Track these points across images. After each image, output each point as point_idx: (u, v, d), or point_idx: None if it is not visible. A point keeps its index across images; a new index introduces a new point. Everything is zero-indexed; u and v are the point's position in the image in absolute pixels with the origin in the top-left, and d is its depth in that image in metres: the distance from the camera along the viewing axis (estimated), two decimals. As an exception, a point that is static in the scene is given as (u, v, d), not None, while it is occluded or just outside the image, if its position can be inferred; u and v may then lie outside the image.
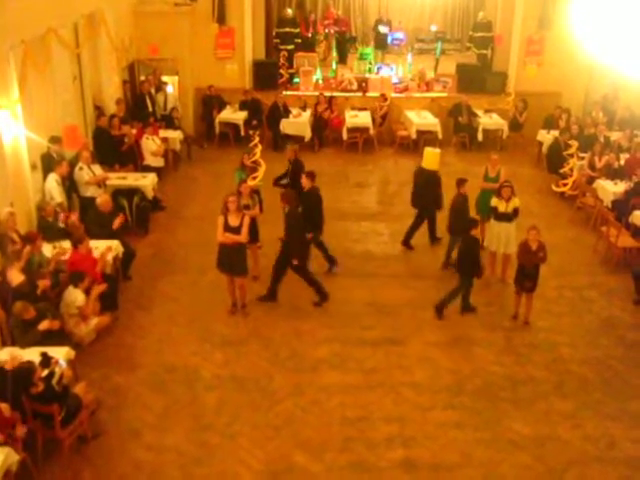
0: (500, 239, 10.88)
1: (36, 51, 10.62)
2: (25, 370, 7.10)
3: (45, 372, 7.29)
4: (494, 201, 10.88)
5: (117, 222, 10.79)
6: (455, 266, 10.57)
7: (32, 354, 7.62)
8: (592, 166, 14.23)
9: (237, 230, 9.65)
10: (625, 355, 9.52)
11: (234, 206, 9.64)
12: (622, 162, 14.12)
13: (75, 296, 9.00)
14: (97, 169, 12.18)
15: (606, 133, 15.77)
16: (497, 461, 7.55)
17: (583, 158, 14.54)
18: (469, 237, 10.00)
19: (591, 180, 13.94)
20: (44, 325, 8.20)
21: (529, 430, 8.02)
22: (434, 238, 12.54)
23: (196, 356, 9.25)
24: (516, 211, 10.80)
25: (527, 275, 9.91)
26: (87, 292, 9.23)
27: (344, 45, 22.21)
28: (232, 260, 9.87)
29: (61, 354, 7.84)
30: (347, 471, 7.37)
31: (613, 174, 13.70)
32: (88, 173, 11.87)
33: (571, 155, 13.27)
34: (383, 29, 21.58)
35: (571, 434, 7.98)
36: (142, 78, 17.49)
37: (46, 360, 7.45)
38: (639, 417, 8.28)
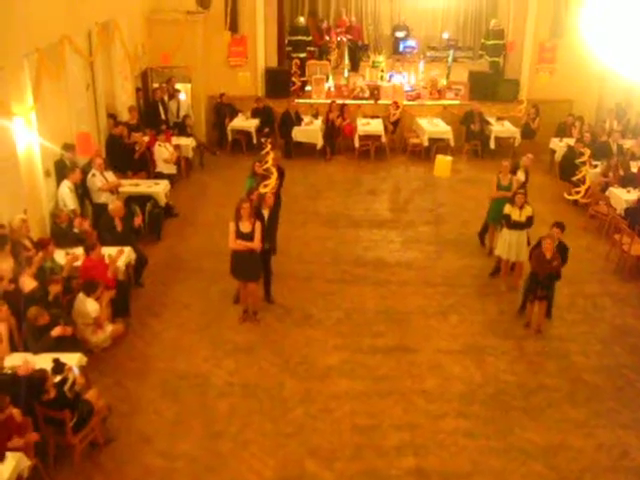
0: (511, 247, 10.82)
1: (50, 59, 10.70)
2: (37, 378, 7.12)
3: (58, 378, 7.32)
4: (507, 208, 10.82)
5: (137, 221, 11.15)
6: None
7: (44, 360, 7.65)
8: (607, 177, 14.18)
9: (249, 236, 9.67)
10: (638, 363, 9.46)
11: (247, 212, 9.66)
12: (635, 170, 14.06)
13: (87, 305, 9.02)
14: (110, 176, 12.25)
15: (620, 141, 15.71)
16: (509, 470, 7.52)
17: (596, 166, 14.50)
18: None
19: (604, 188, 13.88)
20: (57, 331, 8.22)
21: (541, 439, 7.98)
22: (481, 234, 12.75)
23: (207, 363, 9.26)
24: (530, 220, 10.76)
25: (540, 283, 9.86)
26: (98, 298, 9.27)
27: (356, 53, 22.28)
28: (244, 266, 9.89)
29: (73, 360, 7.87)
30: (358, 479, 7.35)
31: (626, 182, 13.63)
32: (101, 180, 11.94)
33: (584, 163, 13.22)
34: (400, 34, 21.64)
35: (584, 443, 7.94)
36: (155, 86, 17.58)
37: (59, 366, 7.49)
38: (652, 426, 8.24)
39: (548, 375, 9.18)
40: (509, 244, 10.84)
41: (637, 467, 7.59)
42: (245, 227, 9.68)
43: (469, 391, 8.83)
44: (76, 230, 10.60)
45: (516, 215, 10.72)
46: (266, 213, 10.37)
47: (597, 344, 9.91)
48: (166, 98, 17.03)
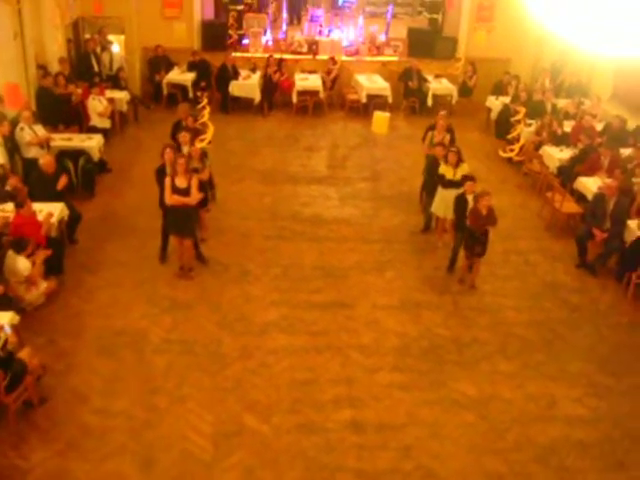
0: (447, 205, 10.90)
1: (-25, 6, 10.24)
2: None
3: (-12, 337, 7.17)
4: (442, 168, 10.87)
5: (61, 183, 10.56)
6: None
7: (-25, 319, 7.47)
8: (540, 135, 14.41)
9: (185, 192, 9.54)
10: (567, 318, 9.79)
11: (182, 168, 9.51)
12: (568, 129, 14.34)
13: (18, 263, 8.79)
14: (39, 129, 11.87)
15: (553, 100, 15.99)
16: (442, 421, 7.72)
17: (530, 124, 14.74)
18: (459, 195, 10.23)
19: (538, 146, 14.13)
20: (-13, 289, 8.04)
21: (473, 391, 8.21)
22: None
23: (144, 320, 9.18)
24: (465, 178, 10.84)
25: (477, 240, 10.03)
26: (30, 256, 9.04)
27: (295, 6, 21.97)
28: (180, 222, 9.79)
29: (5, 319, 7.69)
30: (295, 432, 7.45)
31: (559, 141, 13.90)
32: (29, 133, 11.57)
33: (518, 121, 13.42)
34: None
35: (514, 394, 8.20)
36: (87, 36, 17.03)
37: (-11, 325, 7.33)
38: (579, 377, 8.56)
39: (481, 329, 9.42)
40: (445, 202, 10.92)
41: (564, 416, 7.90)
42: (181, 182, 9.54)
43: (404, 345, 8.99)
44: (8, 188, 10.24)
45: (450, 174, 10.77)
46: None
47: (528, 299, 10.19)
48: (99, 50, 16.52)
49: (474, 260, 10.23)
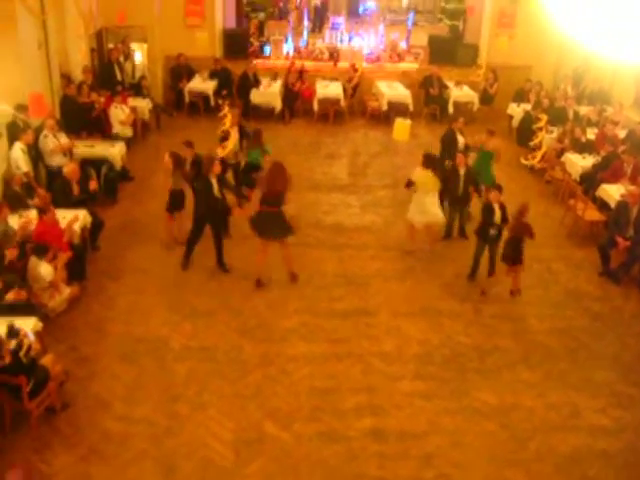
0: (417, 210, 11.04)
1: (0, 17, 10.35)
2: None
3: (12, 344, 7.22)
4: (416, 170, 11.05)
5: (93, 185, 10.90)
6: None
7: (-1, 325, 7.53)
8: (562, 143, 14.33)
9: None
10: (590, 326, 9.69)
11: None
12: (591, 136, 14.23)
13: (41, 269, 8.87)
14: (62, 137, 11.99)
15: (575, 107, 15.89)
16: (464, 430, 7.67)
17: (552, 132, 14.65)
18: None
19: (560, 154, 14.04)
20: (11, 296, 8.10)
21: (495, 399, 8.15)
22: None
23: (165, 327, 9.22)
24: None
25: (517, 249, 9.96)
26: (52, 261, 9.12)
27: (316, 14, 22.04)
28: (278, 224, 10.02)
29: (28, 325, 7.74)
30: (316, 440, 7.44)
31: (581, 148, 13.80)
32: (53, 141, 11.69)
33: (540, 128, 13.35)
34: None
35: (535, 403, 8.13)
36: (110, 46, 17.20)
37: (14, 332, 7.37)
38: (602, 387, 8.47)
39: (503, 337, 9.35)
40: (414, 206, 11.04)
41: (586, 426, 7.81)
42: None
43: (426, 353, 8.95)
44: (30, 202, 10.30)
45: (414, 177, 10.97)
46: (214, 181, 10.13)
47: (551, 307, 10.11)
48: (122, 59, 16.68)
49: (516, 268, 10.14)
